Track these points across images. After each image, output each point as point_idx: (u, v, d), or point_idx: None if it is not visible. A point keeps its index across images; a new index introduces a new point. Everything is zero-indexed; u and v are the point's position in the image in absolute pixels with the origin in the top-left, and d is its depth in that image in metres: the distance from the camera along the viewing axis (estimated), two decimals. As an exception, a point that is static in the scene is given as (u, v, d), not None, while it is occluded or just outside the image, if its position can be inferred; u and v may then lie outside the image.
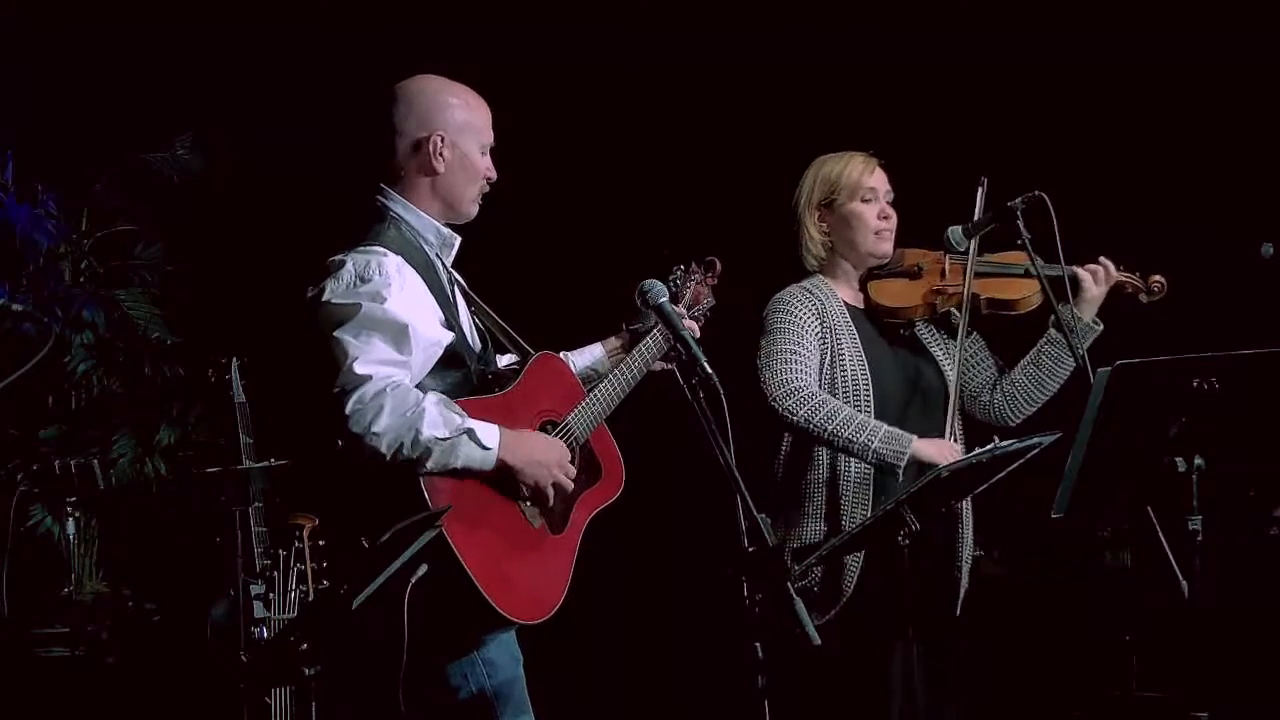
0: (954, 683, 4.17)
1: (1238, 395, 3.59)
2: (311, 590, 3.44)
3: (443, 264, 3.57)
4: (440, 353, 3.40)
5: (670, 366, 3.54)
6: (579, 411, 3.56)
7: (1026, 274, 4.20)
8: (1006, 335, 4.39)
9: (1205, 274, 4.71)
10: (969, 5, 5.64)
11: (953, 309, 4.28)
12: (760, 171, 5.42)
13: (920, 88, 5.65)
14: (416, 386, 3.33)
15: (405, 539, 3.06)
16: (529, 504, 3.44)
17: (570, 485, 3.46)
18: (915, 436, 4.06)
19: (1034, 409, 4.32)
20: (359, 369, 3.27)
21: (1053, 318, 4.19)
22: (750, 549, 3.15)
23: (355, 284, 3.35)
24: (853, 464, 4.13)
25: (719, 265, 3.95)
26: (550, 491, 3.43)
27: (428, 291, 3.43)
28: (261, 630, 3.44)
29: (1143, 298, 4.32)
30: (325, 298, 3.36)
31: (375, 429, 3.24)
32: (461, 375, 3.45)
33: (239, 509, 3.93)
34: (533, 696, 3.54)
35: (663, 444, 4.45)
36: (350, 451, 3.26)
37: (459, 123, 3.54)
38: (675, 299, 3.78)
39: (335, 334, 3.31)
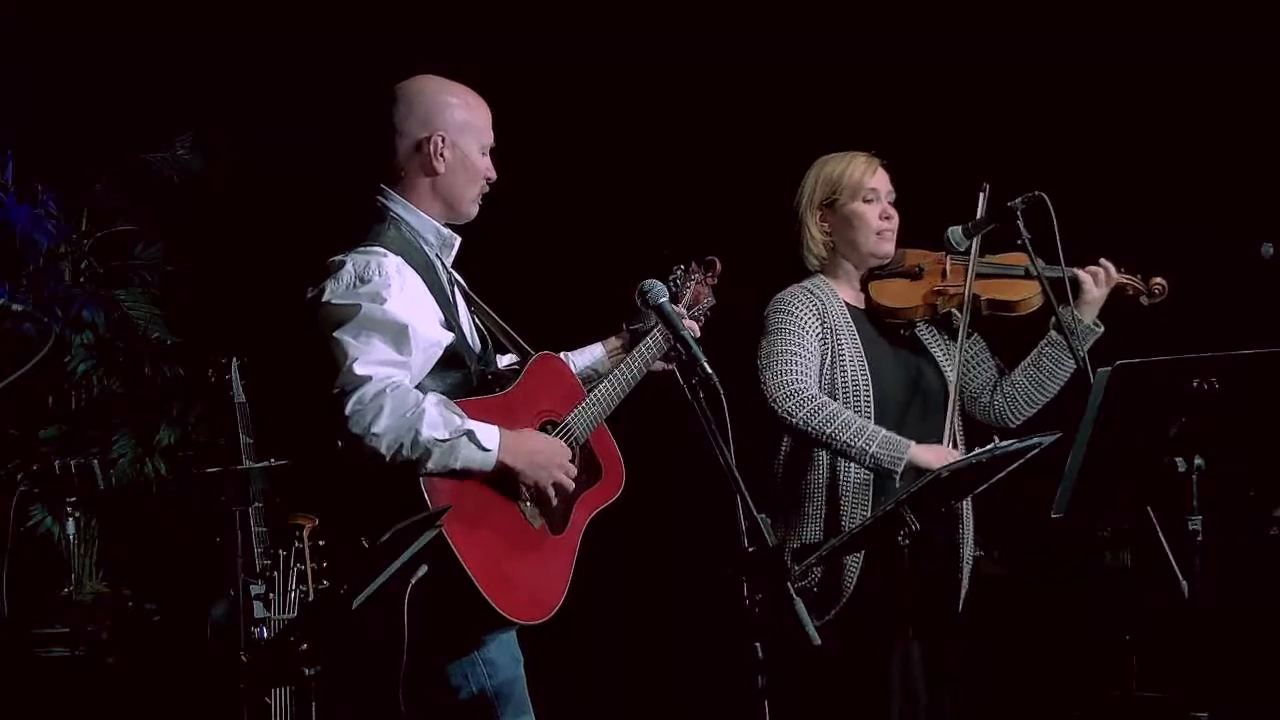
0: (955, 683, 4.16)
1: (1238, 395, 3.59)
2: (311, 590, 3.44)
3: (442, 264, 3.56)
4: (440, 353, 3.40)
5: (670, 366, 3.54)
6: (579, 411, 3.55)
7: (1027, 275, 4.20)
8: (1007, 337, 4.39)
9: (1205, 274, 4.71)
10: (969, 5, 5.64)
11: (954, 310, 4.28)
12: (760, 171, 5.42)
13: (920, 88, 5.65)
14: (416, 387, 3.33)
15: (405, 539, 3.06)
16: (529, 504, 3.44)
17: (571, 485, 3.46)
18: (913, 442, 4.06)
19: (1034, 410, 4.32)
20: (359, 369, 3.27)
21: (1053, 319, 4.19)
22: (750, 549, 3.15)
23: (355, 284, 3.35)
24: (853, 465, 4.13)
25: (719, 265, 3.95)
26: (551, 492, 3.43)
27: (427, 292, 3.43)
28: (261, 630, 3.44)
29: (1143, 300, 4.31)
30: (325, 298, 3.36)
31: (375, 430, 3.23)
32: (461, 376, 3.45)
33: (239, 509, 3.93)
34: (533, 696, 3.54)
35: (663, 444, 4.45)
36: (350, 452, 3.26)
37: (460, 123, 3.54)
38: (675, 299, 3.78)
39: (335, 334, 3.31)
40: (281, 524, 3.52)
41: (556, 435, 3.51)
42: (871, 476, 4.12)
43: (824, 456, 4.15)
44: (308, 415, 3.36)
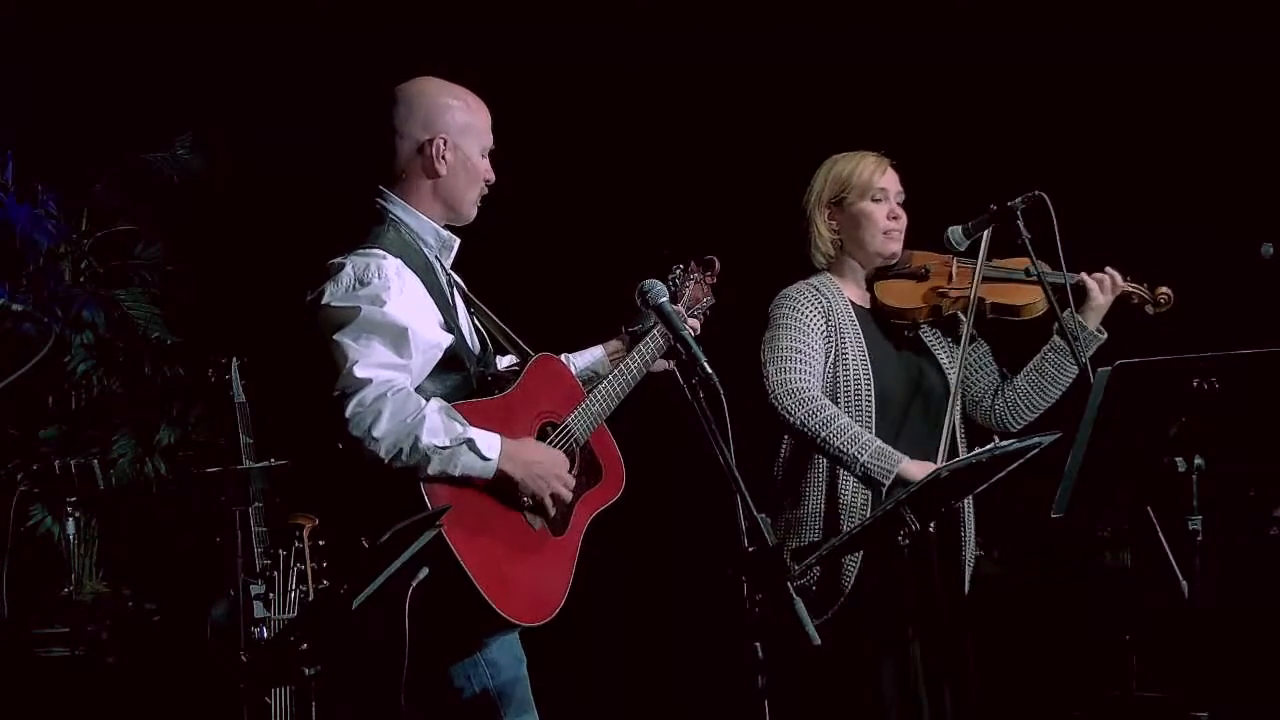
0: (955, 683, 4.16)
1: (1238, 395, 3.58)
2: (311, 590, 3.44)
3: (442, 266, 3.56)
4: (440, 355, 3.40)
5: (670, 366, 3.54)
6: (579, 412, 3.55)
7: (1039, 280, 4.19)
8: (1010, 341, 4.39)
9: (1205, 274, 4.71)
10: (969, 6, 5.64)
11: (959, 313, 4.28)
12: (759, 171, 5.43)
13: (919, 88, 5.65)
14: (416, 389, 3.33)
15: (405, 539, 3.06)
16: (529, 509, 3.44)
17: (568, 497, 3.46)
18: (905, 457, 4.06)
19: (1036, 415, 4.32)
20: (359, 372, 3.26)
21: (1056, 325, 4.19)
22: (750, 549, 3.15)
23: (355, 287, 3.35)
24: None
25: (718, 264, 3.95)
26: (549, 502, 3.42)
27: (427, 294, 3.42)
28: (261, 630, 3.44)
29: (1149, 309, 4.31)
30: (325, 300, 3.35)
31: (375, 433, 3.23)
32: (461, 377, 3.45)
33: (239, 509, 3.93)
34: (534, 696, 3.54)
35: (663, 444, 4.45)
36: (350, 455, 3.26)
37: (460, 125, 3.54)
38: (674, 299, 3.78)
39: (335, 337, 3.31)
40: (281, 524, 3.52)
41: (557, 436, 3.51)
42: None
43: (824, 462, 4.15)
44: (308, 415, 3.35)
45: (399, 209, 3.52)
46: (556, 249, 5.65)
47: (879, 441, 4.07)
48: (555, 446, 3.50)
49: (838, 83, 5.65)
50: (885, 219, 4.26)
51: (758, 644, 3.17)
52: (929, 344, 4.34)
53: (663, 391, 3.62)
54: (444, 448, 3.26)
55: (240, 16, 5.52)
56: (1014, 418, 4.34)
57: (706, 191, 5.65)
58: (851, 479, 4.12)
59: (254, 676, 3.43)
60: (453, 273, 3.61)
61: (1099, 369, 3.61)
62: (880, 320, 4.29)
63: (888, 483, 4.04)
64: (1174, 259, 4.50)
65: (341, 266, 3.38)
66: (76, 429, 5.44)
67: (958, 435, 4.23)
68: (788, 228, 4.38)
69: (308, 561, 3.46)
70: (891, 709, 4.05)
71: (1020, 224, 4.09)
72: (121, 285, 5.57)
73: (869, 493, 4.12)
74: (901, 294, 4.28)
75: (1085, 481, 3.59)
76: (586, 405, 3.57)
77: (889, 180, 4.29)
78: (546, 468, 3.42)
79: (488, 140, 3.59)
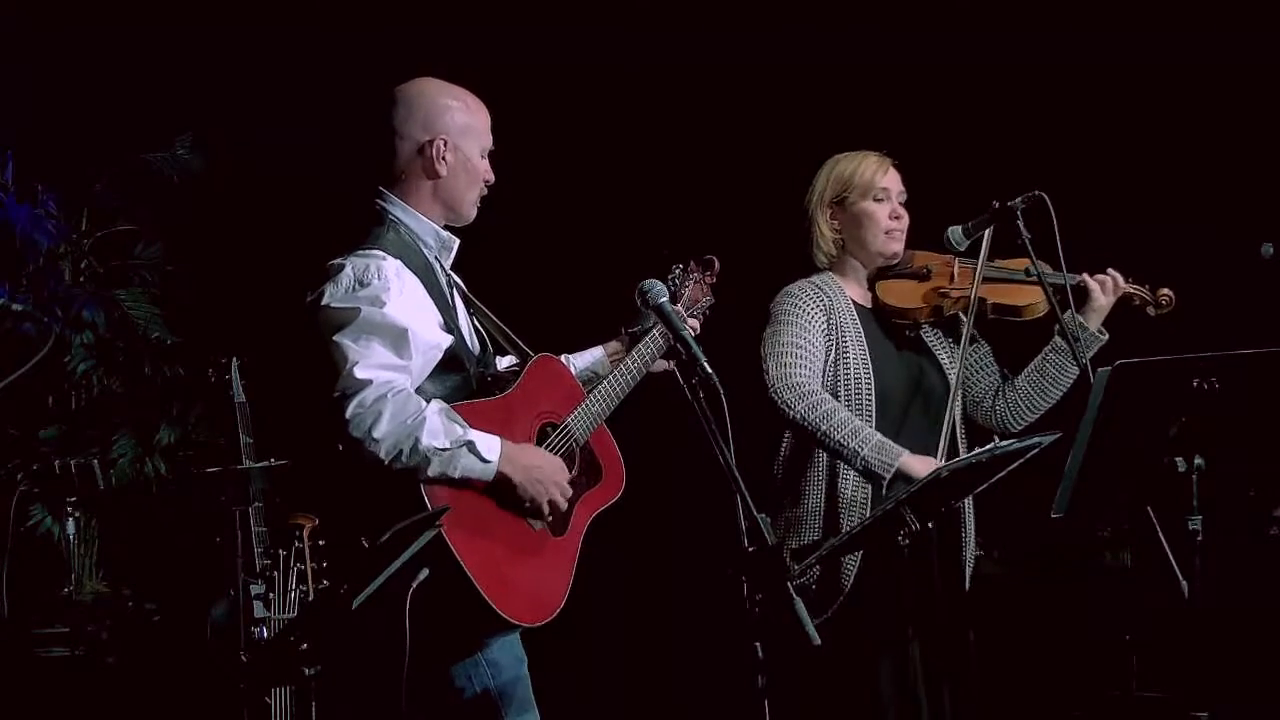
0: (955, 683, 4.16)
1: (1238, 395, 3.58)
2: (311, 590, 3.44)
3: (441, 267, 3.56)
4: (440, 356, 3.40)
5: (670, 366, 3.54)
6: (579, 413, 3.55)
7: (1034, 280, 4.19)
8: (1011, 342, 4.39)
9: (1205, 274, 4.71)
10: (969, 6, 5.63)
11: (960, 313, 4.28)
12: (759, 172, 5.43)
13: (919, 88, 5.65)
14: (416, 390, 3.32)
15: (405, 539, 3.06)
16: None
17: (564, 505, 3.46)
18: (906, 451, 4.06)
19: (1036, 416, 4.32)
20: (359, 373, 3.26)
21: (1058, 325, 4.19)
22: (750, 549, 3.15)
23: (354, 288, 3.35)
24: (853, 469, 4.13)
25: (717, 264, 3.95)
26: (546, 508, 3.42)
27: (427, 295, 3.42)
28: (261, 630, 3.43)
29: (1150, 311, 4.31)
30: (324, 301, 3.35)
31: (375, 434, 3.23)
32: (461, 378, 3.45)
33: (239, 509, 3.92)
34: (534, 696, 3.54)
35: (663, 444, 4.44)
36: (350, 456, 3.26)
37: (461, 126, 3.54)
38: (674, 299, 3.78)
39: (335, 338, 3.30)
40: (281, 524, 3.52)
41: (557, 436, 3.50)
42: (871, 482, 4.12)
43: (824, 455, 4.15)
44: (308, 415, 3.35)
45: (398, 210, 3.52)
46: (556, 249, 5.64)
47: (880, 435, 4.07)
48: (555, 447, 3.50)
49: (837, 83, 5.65)
50: (887, 219, 4.27)
51: (758, 644, 3.17)
52: (930, 344, 4.34)
53: (663, 391, 3.62)
54: (444, 449, 3.26)
55: (240, 16, 5.52)
56: (1015, 418, 4.34)
57: (706, 192, 5.65)
58: (852, 476, 4.12)
59: (254, 676, 3.43)
60: (452, 273, 3.61)
61: (1099, 369, 3.61)
62: (881, 320, 4.29)
63: (888, 476, 4.04)
64: (1174, 259, 4.50)
65: (341, 268, 3.38)
66: (76, 429, 5.44)
67: (958, 435, 4.23)
68: (788, 228, 4.38)
69: (308, 561, 3.45)
70: (891, 709, 4.05)
71: (1020, 224, 4.09)
72: (121, 285, 5.57)
73: (869, 489, 4.12)
74: (903, 294, 4.28)
75: (1085, 481, 3.59)
76: (586, 405, 3.57)
77: (891, 180, 4.29)
78: (546, 473, 3.41)
79: (487, 141, 3.59)
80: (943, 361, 4.31)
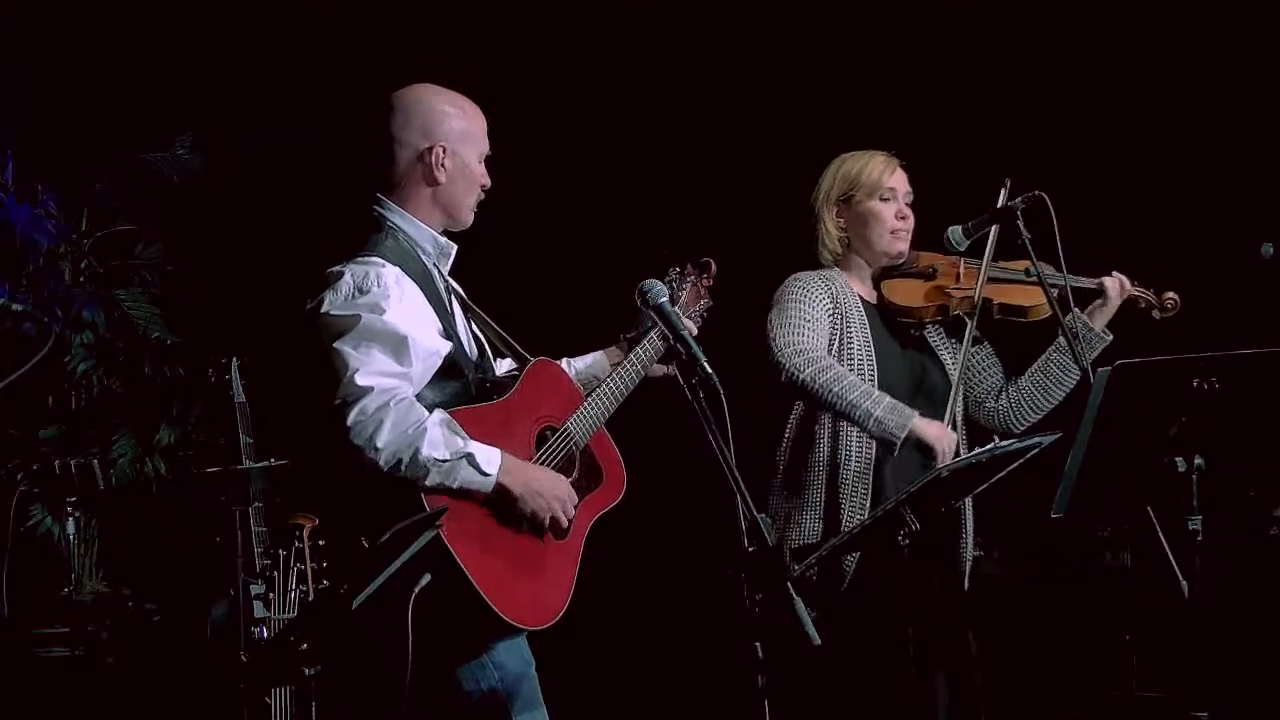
0: (954, 683, 4.16)
1: (1238, 395, 3.59)
2: (311, 590, 3.44)
3: (440, 273, 3.56)
4: (439, 363, 3.39)
5: (672, 371, 3.54)
6: (578, 416, 3.55)
7: (1039, 280, 4.19)
8: (1012, 343, 4.39)
9: (1205, 274, 4.70)
10: (969, 6, 5.63)
11: (965, 314, 4.28)
12: (759, 173, 5.43)
13: (920, 88, 5.65)
14: (415, 397, 3.32)
15: (405, 539, 3.06)
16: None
17: (566, 523, 3.45)
18: (917, 413, 4.06)
19: (1038, 417, 4.33)
20: (360, 380, 3.26)
21: (1061, 326, 4.19)
22: (750, 549, 3.15)
23: (354, 295, 3.35)
24: (852, 462, 4.13)
25: (714, 266, 3.94)
26: (546, 523, 3.41)
27: (426, 302, 3.42)
28: (261, 630, 3.43)
29: (1155, 314, 4.32)
30: (324, 309, 3.35)
31: (377, 443, 3.23)
32: (460, 384, 3.44)
33: (239, 509, 3.92)
34: (534, 696, 3.54)
35: (663, 444, 4.44)
36: (350, 463, 3.26)
37: (459, 132, 3.53)
38: (671, 300, 3.77)
39: (335, 345, 3.30)
40: (281, 524, 3.51)
41: (556, 440, 3.50)
42: (871, 473, 4.12)
43: (824, 454, 4.15)
44: (308, 417, 3.35)
45: (397, 216, 3.52)
46: (554, 253, 5.64)
47: (890, 397, 4.07)
48: (555, 450, 3.50)
49: (837, 83, 5.65)
50: (893, 218, 4.27)
51: (758, 644, 3.17)
52: (933, 343, 4.34)
53: (663, 392, 3.63)
54: (443, 461, 3.26)
55: (240, 16, 5.52)
56: (1017, 418, 4.34)
57: (706, 194, 5.65)
58: (851, 476, 4.12)
59: (254, 676, 3.43)
60: (450, 279, 3.61)
61: (1099, 369, 3.61)
62: (886, 318, 4.29)
63: (901, 436, 4.03)
64: (1174, 259, 4.50)
65: (340, 275, 3.38)
66: (76, 429, 5.44)
67: (959, 435, 4.23)
68: (788, 229, 4.38)
69: (308, 561, 3.45)
70: (891, 709, 4.05)
71: (1020, 224, 4.09)
72: (121, 285, 5.57)
73: (869, 491, 4.12)
74: (908, 293, 4.29)
75: (1085, 481, 3.60)
76: (585, 409, 3.56)
77: (898, 180, 4.29)
78: (547, 488, 3.41)
79: (485, 146, 3.58)
80: (945, 361, 4.31)
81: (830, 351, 4.18)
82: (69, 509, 5.19)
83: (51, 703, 4.89)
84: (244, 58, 5.51)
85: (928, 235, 4.31)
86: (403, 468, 3.24)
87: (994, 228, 4.22)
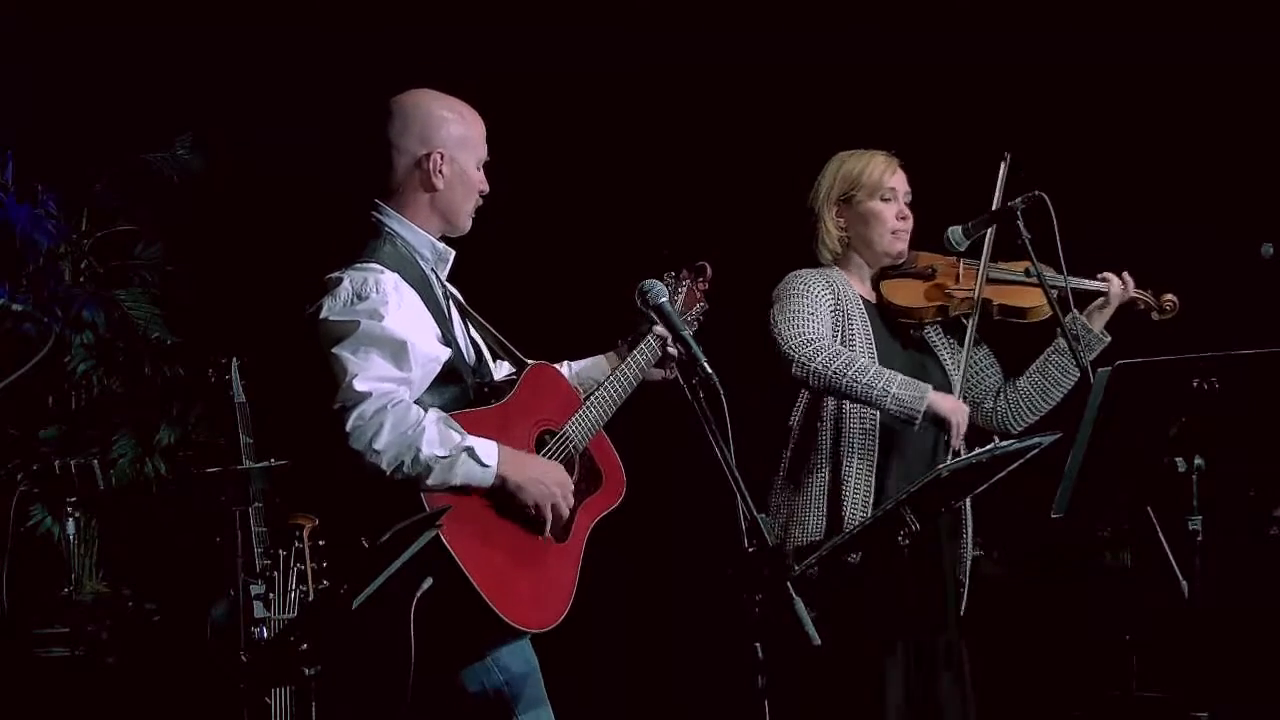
0: (955, 682, 4.16)
1: (1238, 395, 3.59)
2: (311, 590, 3.44)
3: (438, 278, 3.56)
4: (439, 369, 3.39)
5: (672, 376, 3.55)
6: (576, 419, 3.55)
7: (1040, 281, 4.19)
8: (1011, 343, 4.39)
9: (1205, 274, 4.71)
10: (969, 6, 5.63)
11: (964, 315, 4.28)
12: (757, 174, 5.43)
13: (920, 88, 5.65)
14: (415, 403, 3.32)
15: (405, 539, 3.06)
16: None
17: (566, 511, 3.45)
18: (930, 386, 4.07)
19: (1036, 418, 4.32)
20: (358, 386, 3.26)
21: (1059, 327, 4.19)
22: (750, 549, 3.15)
23: (353, 301, 3.35)
24: (855, 461, 4.13)
25: (709, 270, 3.94)
26: (548, 514, 3.41)
27: (424, 308, 3.42)
28: (261, 630, 3.43)
29: (1154, 315, 4.32)
30: (323, 315, 3.35)
31: (376, 446, 3.23)
32: (459, 390, 3.44)
33: (239, 509, 3.92)
34: (534, 697, 3.54)
35: (663, 444, 4.44)
36: (351, 467, 3.26)
37: (457, 138, 3.53)
38: (669, 302, 3.77)
39: (334, 351, 3.30)
40: (281, 524, 3.51)
41: (555, 443, 3.50)
42: (874, 473, 4.12)
43: (826, 453, 4.15)
44: (308, 418, 3.35)
45: (395, 222, 3.51)
46: (552, 255, 5.64)
47: (902, 375, 4.07)
48: (554, 454, 3.50)
49: (836, 83, 5.64)
50: (894, 219, 4.27)
51: (758, 644, 3.17)
52: (933, 344, 4.34)
53: (663, 392, 3.63)
54: (444, 457, 3.26)
55: (240, 16, 5.52)
56: (1015, 419, 4.34)
57: (705, 194, 5.65)
58: (854, 477, 4.12)
59: (254, 676, 3.43)
60: (449, 284, 3.61)
61: (1099, 369, 3.61)
62: (886, 318, 4.29)
63: (921, 410, 4.03)
64: (1174, 259, 4.50)
65: (339, 281, 3.37)
66: (76, 429, 5.44)
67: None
68: (787, 229, 4.38)
69: (308, 561, 3.45)
70: (891, 709, 4.05)
71: (1020, 224, 4.09)
72: (121, 285, 5.57)
73: (871, 491, 4.12)
74: (908, 293, 4.29)
75: (1085, 481, 3.60)
76: (584, 412, 3.57)
77: (898, 180, 4.29)
78: (547, 476, 3.41)
79: (483, 152, 3.58)
80: (945, 361, 4.31)
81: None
82: (69, 509, 5.18)
83: (51, 703, 4.89)
84: (244, 58, 5.51)
85: (928, 235, 4.31)
86: (405, 469, 3.24)
87: (991, 228, 4.22)
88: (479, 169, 3.57)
